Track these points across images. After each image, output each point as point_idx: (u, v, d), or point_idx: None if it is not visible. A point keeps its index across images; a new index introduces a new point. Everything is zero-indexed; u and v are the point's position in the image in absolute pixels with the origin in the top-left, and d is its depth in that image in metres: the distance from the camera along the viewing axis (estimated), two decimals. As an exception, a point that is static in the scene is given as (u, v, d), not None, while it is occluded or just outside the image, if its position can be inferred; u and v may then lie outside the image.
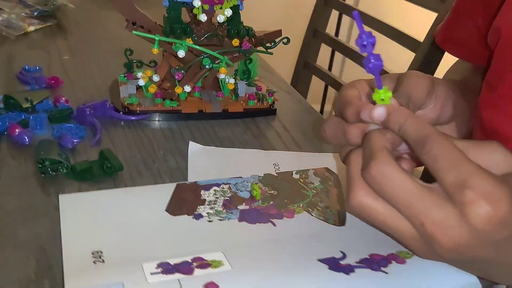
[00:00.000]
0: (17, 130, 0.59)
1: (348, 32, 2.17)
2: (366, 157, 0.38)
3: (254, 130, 0.69)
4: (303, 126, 0.71)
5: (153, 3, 1.13)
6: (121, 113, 0.67)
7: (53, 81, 0.73)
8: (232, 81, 0.71)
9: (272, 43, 0.73)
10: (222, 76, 0.70)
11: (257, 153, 0.63)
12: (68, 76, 0.77)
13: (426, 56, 1.12)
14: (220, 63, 0.69)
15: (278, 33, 0.74)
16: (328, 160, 0.60)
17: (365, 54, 0.38)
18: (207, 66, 0.68)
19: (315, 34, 1.42)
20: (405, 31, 1.18)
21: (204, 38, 0.67)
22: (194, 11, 0.65)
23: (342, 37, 1.86)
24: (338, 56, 1.73)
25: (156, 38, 0.66)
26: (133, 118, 0.67)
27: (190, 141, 0.62)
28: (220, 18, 0.66)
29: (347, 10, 1.37)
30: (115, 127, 0.65)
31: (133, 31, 0.66)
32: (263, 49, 0.72)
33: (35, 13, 1.01)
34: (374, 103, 0.40)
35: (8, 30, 0.93)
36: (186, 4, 0.67)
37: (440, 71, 1.10)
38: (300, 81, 1.47)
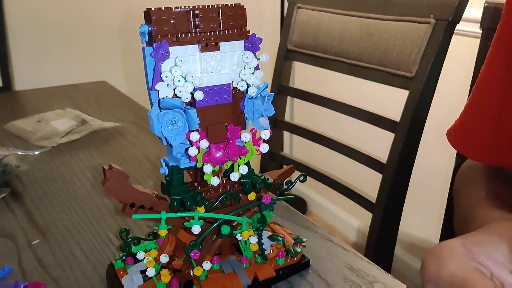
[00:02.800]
0: None
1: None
2: None
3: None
4: (344, 273, 0.60)
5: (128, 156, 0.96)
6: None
7: (33, 288, 0.58)
8: (254, 240, 0.59)
9: (289, 184, 0.62)
10: (241, 237, 0.58)
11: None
12: (47, 272, 0.61)
13: (407, 135, 1.07)
14: (242, 227, 0.57)
15: (291, 170, 0.64)
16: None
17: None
18: (227, 234, 0.56)
19: (275, 122, 1.36)
20: (380, 113, 1.13)
21: (218, 202, 0.56)
22: (205, 177, 0.53)
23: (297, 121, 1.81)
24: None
25: (163, 217, 0.54)
26: (154, 325, 0.53)
27: None
28: (235, 177, 0.55)
29: (304, 96, 1.31)
30: None
31: (133, 216, 0.53)
32: (283, 195, 0.62)
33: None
34: None
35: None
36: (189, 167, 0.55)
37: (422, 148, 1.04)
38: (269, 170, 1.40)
